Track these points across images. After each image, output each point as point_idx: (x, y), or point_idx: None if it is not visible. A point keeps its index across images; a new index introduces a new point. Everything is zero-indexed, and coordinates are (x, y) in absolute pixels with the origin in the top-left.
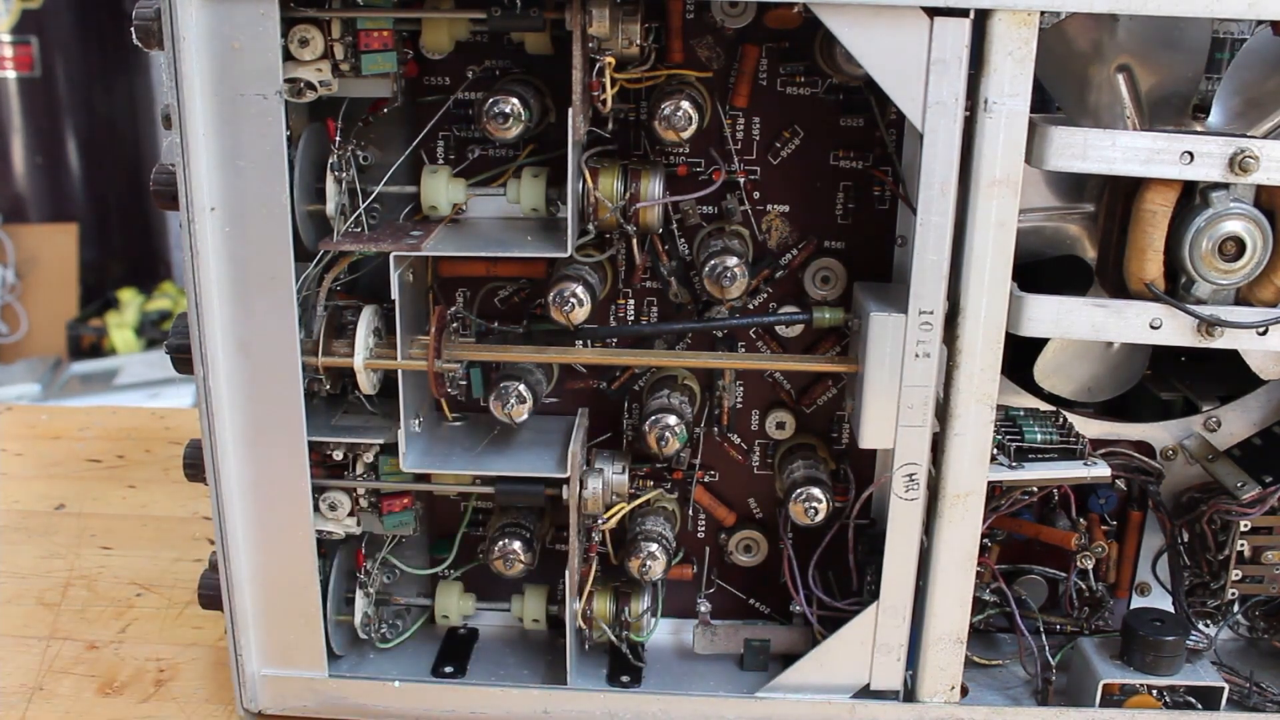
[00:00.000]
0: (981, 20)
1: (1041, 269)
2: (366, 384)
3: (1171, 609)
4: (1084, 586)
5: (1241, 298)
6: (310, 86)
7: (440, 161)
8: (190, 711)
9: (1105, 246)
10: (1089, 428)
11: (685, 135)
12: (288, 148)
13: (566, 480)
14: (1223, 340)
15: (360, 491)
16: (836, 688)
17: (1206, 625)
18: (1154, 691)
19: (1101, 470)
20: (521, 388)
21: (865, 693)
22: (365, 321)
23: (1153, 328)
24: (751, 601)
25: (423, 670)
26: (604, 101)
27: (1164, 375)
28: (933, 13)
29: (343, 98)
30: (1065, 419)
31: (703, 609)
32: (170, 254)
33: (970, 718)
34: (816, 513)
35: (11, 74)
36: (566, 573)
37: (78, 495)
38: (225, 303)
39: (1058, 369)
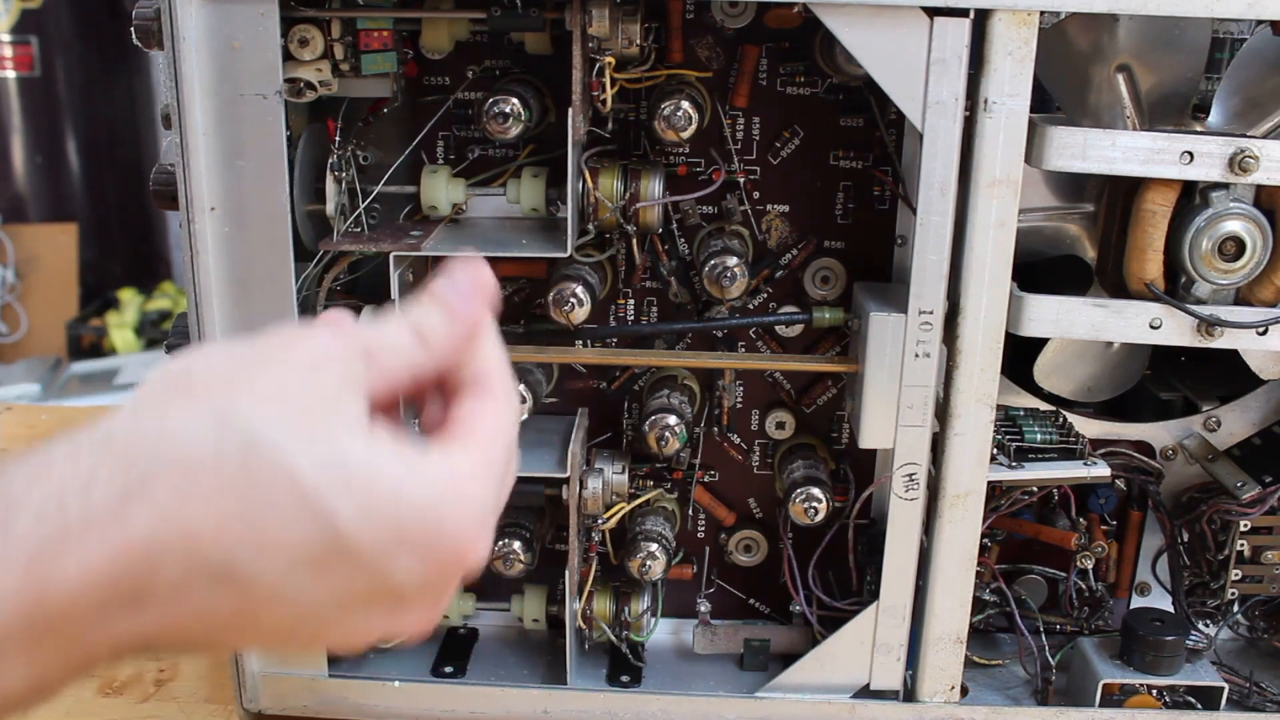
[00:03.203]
0: (981, 20)
1: (1041, 269)
2: None
3: (1171, 609)
4: (1084, 586)
5: (1241, 298)
6: (310, 86)
7: (440, 161)
8: (190, 711)
9: (1105, 246)
10: (1089, 428)
11: (685, 135)
12: (288, 148)
13: (566, 480)
14: (1223, 340)
15: None
16: (836, 688)
17: (1206, 625)
18: (1154, 691)
19: (1101, 470)
20: (521, 388)
21: (865, 692)
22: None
23: (1153, 328)
24: (751, 601)
25: (422, 670)
26: (604, 101)
27: (1164, 375)
28: (933, 13)
29: (343, 98)
30: (1065, 419)
31: (703, 609)
32: (170, 254)
33: (970, 718)
34: (816, 513)
35: (11, 74)
36: (566, 573)
37: None
38: (225, 303)
39: (1058, 369)
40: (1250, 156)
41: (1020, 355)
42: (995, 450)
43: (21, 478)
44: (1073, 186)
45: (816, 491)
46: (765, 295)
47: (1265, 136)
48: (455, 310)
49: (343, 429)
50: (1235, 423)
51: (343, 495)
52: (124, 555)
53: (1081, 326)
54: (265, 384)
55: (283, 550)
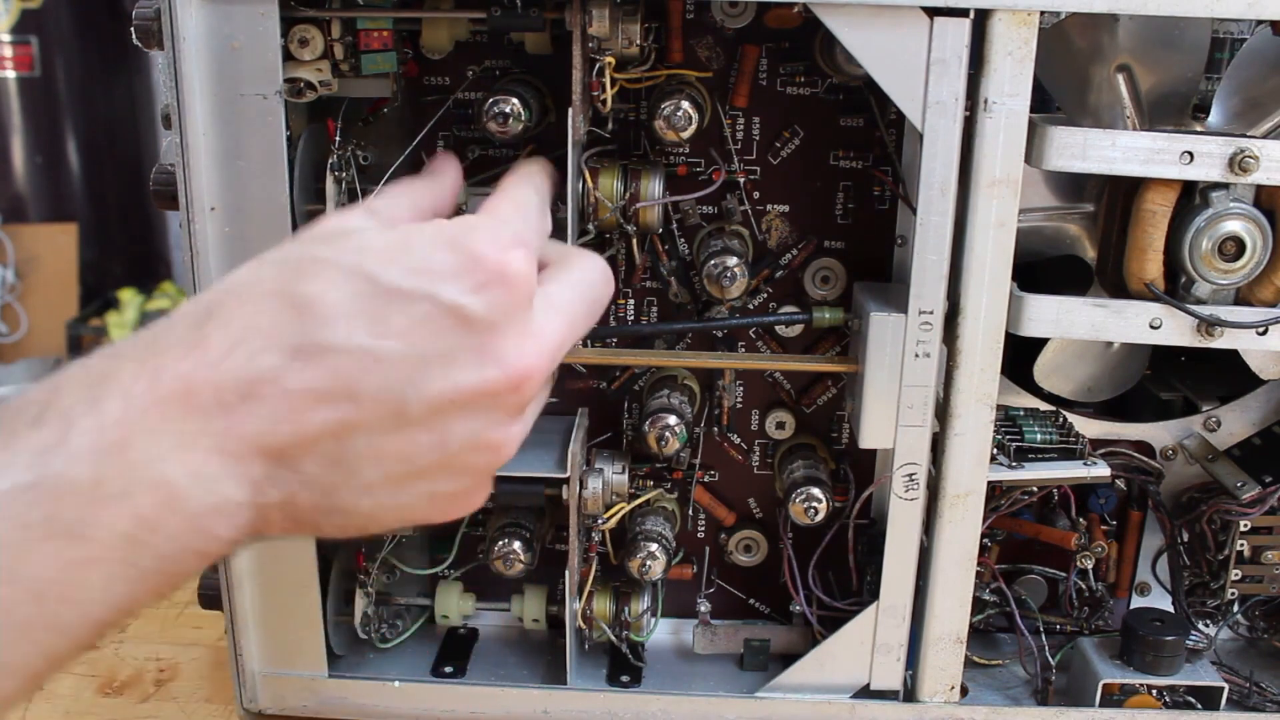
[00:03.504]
0: (981, 20)
1: (1041, 269)
2: None
3: (1171, 609)
4: (1084, 586)
5: (1241, 298)
6: (310, 86)
7: None
8: (190, 711)
9: (1105, 246)
10: (1089, 428)
11: (685, 135)
12: (288, 148)
13: (566, 480)
14: (1223, 340)
15: None
16: (836, 688)
17: (1206, 625)
18: (1154, 691)
19: (1101, 470)
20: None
21: (865, 692)
22: None
23: (1153, 328)
24: (751, 601)
25: (423, 670)
26: (604, 101)
27: (1164, 375)
28: (933, 13)
29: (343, 98)
30: (1065, 419)
31: (703, 609)
32: (170, 254)
33: (970, 718)
34: (816, 513)
35: (11, 74)
36: (566, 573)
37: None
38: None
39: (1058, 369)
40: (1250, 156)
41: (1020, 355)
42: (995, 450)
43: (116, 340)
44: (1073, 186)
45: (816, 491)
46: (765, 295)
47: (1265, 136)
48: (437, 172)
49: (364, 234)
50: (1235, 423)
51: (365, 251)
52: (212, 362)
53: (1081, 326)
54: (296, 241)
55: (334, 311)
